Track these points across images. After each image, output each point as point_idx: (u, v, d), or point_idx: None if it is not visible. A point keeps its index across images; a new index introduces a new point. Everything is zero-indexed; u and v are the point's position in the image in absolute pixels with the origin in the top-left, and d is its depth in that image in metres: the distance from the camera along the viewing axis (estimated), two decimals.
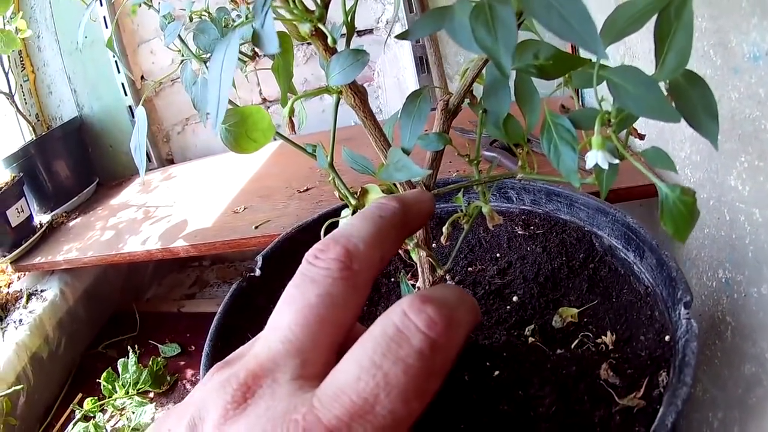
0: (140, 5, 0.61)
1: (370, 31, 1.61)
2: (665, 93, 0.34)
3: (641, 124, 0.99)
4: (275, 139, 0.49)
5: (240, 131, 0.45)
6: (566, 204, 0.79)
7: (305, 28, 0.39)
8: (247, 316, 0.72)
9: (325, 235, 0.49)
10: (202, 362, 0.64)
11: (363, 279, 0.35)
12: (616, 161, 0.36)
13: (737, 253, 0.70)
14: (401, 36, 0.34)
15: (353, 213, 0.48)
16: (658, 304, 0.62)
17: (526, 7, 0.27)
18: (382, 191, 0.47)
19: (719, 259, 0.75)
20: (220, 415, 0.31)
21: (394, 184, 0.48)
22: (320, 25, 0.39)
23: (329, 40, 0.39)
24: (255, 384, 0.32)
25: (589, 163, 0.36)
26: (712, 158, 0.75)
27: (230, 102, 0.49)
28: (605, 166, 0.36)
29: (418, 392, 0.30)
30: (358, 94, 0.43)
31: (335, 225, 0.51)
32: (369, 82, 1.67)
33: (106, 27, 1.69)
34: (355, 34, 1.56)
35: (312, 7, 0.39)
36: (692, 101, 0.34)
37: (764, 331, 0.64)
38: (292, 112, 0.43)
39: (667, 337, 0.58)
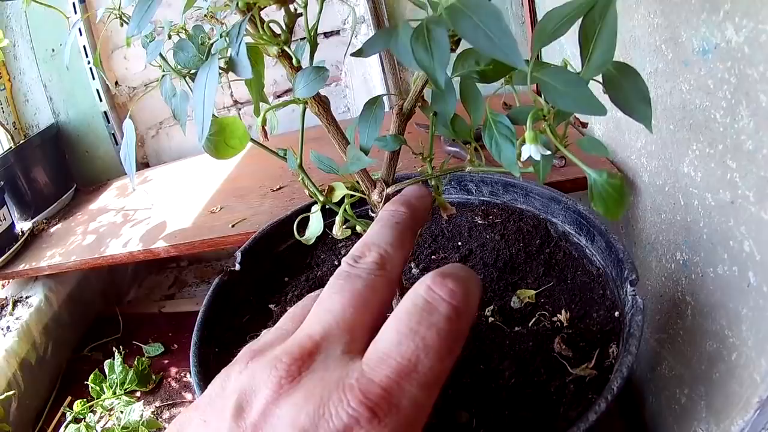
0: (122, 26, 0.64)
1: (337, 32, 1.63)
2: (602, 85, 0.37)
3: (600, 117, 1.02)
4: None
5: (219, 140, 0.49)
6: (522, 194, 0.83)
7: (273, 51, 0.43)
8: (229, 307, 0.76)
9: (297, 229, 0.53)
10: (191, 351, 0.66)
11: (395, 275, 0.41)
12: (549, 152, 0.40)
13: (693, 236, 0.72)
14: (356, 54, 0.38)
15: (321, 208, 0.52)
16: (608, 284, 0.67)
17: (457, 29, 0.31)
18: (347, 188, 0.51)
19: (676, 242, 0.78)
20: (274, 391, 0.35)
21: (358, 182, 0.52)
22: (286, 48, 0.43)
23: (293, 61, 0.43)
24: (309, 359, 0.36)
25: (523, 156, 0.40)
26: (666, 147, 0.78)
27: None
28: (537, 158, 0.40)
29: (449, 351, 0.35)
30: (321, 103, 0.47)
31: (306, 220, 0.55)
32: (337, 81, 1.69)
33: (81, 35, 1.69)
34: (323, 36, 1.59)
35: (278, 31, 0.44)
36: (624, 90, 0.37)
37: (722, 309, 0.67)
38: (264, 121, 0.47)
39: (616, 313, 0.62)
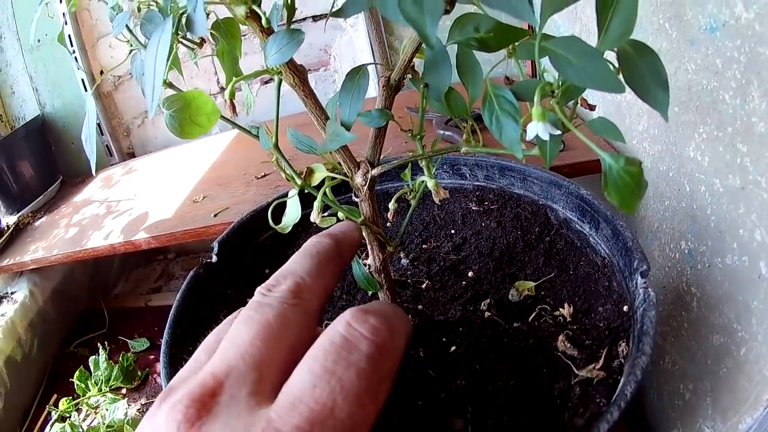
0: None
1: (326, 15, 1.60)
2: (615, 63, 0.34)
3: (597, 97, 1.00)
4: (223, 130, 0.49)
5: (184, 116, 0.44)
6: (520, 178, 0.79)
7: (240, 11, 0.39)
8: (205, 303, 0.72)
9: (272, 216, 0.49)
10: (162, 351, 0.63)
11: (311, 307, 0.38)
12: (558, 132, 0.36)
13: (699, 224, 0.70)
14: (336, 14, 0.34)
15: (299, 193, 0.47)
16: (615, 275, 0.63)
17: None
18: (328, 170, 0.46)
19: (681, 231, 0.76)
20: None
21: (340, 163, 0.48)
22: (255, 7, 0.38)
23: (263, 21, 0.39)
24: (211, 400, 0.32)
25: (530, 135, 0.36)
26: (670, 131, 0.76)
27: (174, 87, 0.49)
28: (545, 138, 0.36)
29: (371, 395, 0.32)
30: (297, 73, 0.42)
31: (283, 206, 0.50)
32: (325, 66, 1.67)
33: (66, 23, 1.66)
34: (311, 19, 1.56)
35: None
36: (641, 71, 0.33)
37: (730, 302, 0.64)
38: (232, 94, 0.42)
39: (625, 308, 0.58)
